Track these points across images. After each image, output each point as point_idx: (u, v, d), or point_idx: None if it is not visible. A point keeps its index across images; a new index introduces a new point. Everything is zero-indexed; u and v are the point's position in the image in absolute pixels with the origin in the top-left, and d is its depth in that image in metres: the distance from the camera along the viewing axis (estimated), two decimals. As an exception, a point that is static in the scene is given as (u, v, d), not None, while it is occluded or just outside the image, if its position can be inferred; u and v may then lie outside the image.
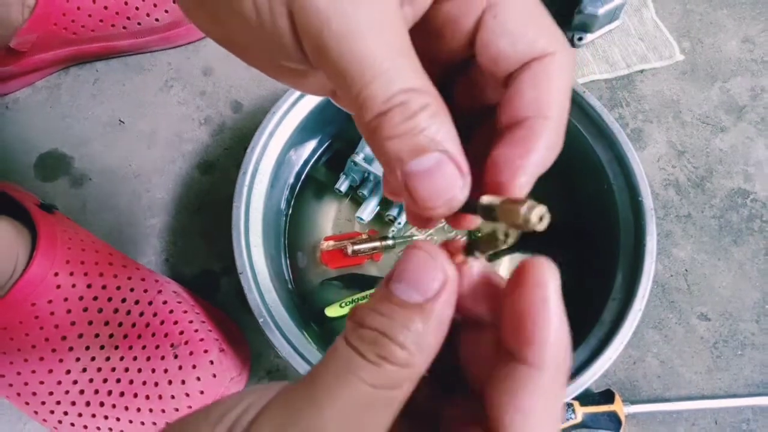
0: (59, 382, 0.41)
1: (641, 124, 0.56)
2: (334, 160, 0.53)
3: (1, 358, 0.40)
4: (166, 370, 0.41)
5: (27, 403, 0.41)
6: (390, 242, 0.49)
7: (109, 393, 0.41)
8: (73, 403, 0.41)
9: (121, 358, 0.41)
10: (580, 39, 0.57)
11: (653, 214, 0.42)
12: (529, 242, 0.50)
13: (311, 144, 0.52)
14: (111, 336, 0.41)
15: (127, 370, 0.41)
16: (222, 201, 0.52)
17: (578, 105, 0.45)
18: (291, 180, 0.51)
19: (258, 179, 0.45)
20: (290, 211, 0.52)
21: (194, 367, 0.41)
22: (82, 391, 0.41)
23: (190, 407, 0.41)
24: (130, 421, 0.41)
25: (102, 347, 0.41)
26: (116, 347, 0.41)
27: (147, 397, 0.41)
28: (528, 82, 0.18)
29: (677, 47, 0.58)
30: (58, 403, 0.41)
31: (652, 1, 0.60)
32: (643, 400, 0.47)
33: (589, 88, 0.57)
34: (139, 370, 0.41)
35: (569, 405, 0.44)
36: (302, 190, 0.52)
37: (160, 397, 0.41)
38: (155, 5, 0.54)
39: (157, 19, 0.54)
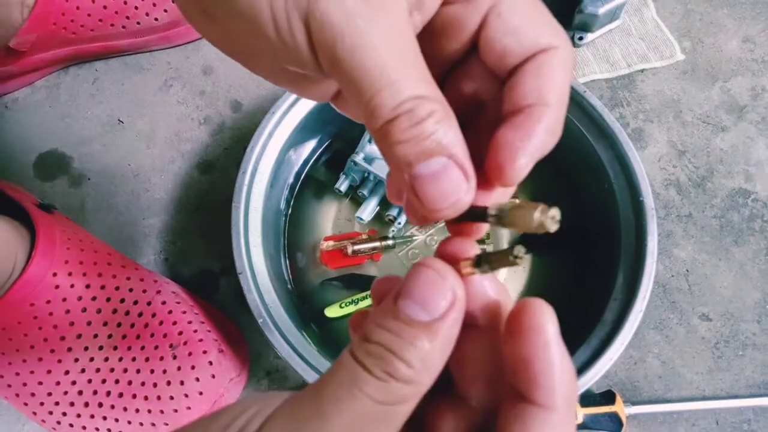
0: (58, 383, 0.41)
1: (642, 123, 0.56)
2: (334, 160, 0.52)
3: (0, 359, 0.40)
4: (164, 371, 0.41)
5: (25, 404, 0.41)
6: (390, 242, 0.49)
7: (108, 394, 0.41)
8: (72, 404, 0.41)
9: (120, 359, 0.41)
10: (581, 38, 0.57)
11: (654, 214, 0.42)
12: (531, 242, 0.50)
13: (311, 144, 0.52)
14: (110, 336, 0.41)
15: (125, 370, 0.41)
16: (221, 201, 0.52)
17: (579, 105, 0.45)
18: (291, 180, 0.51)
19: (257, 179, 0.45)
20: (290, 211, 0.52)
21: (193, 367, 0.41)
22: (80, 392, 0.41)
23: (188, 408, 0.41)
24: (129, 422, 0.41)
25: (101, 347, 0.41)
26: (115, 347, 0.41)
27: (145, 398, 0.41)
28: (531, 73, 0.18)
29: (678, 47, 0.58)
30: (57, 403, 0.41)
31: (653, 0, 0.60)
32: (644, 401, 0.47)
33: (590, 88, 0.57)
34: (138, 371, 0.41)
35: (570, 406, 0.44)
36: (302, 190, 0.52)
37: (158, 397, 0.40)
38: (154, 4, 0.53)
39: (156, 19, 0.54)
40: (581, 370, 0.39)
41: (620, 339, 0.39)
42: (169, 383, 0.41)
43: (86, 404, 0.41)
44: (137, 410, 0.41)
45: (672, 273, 0.51)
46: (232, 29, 0.18)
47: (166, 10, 0.54)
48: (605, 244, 0.46)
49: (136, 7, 0.53)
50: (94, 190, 0.54)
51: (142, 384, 0.41)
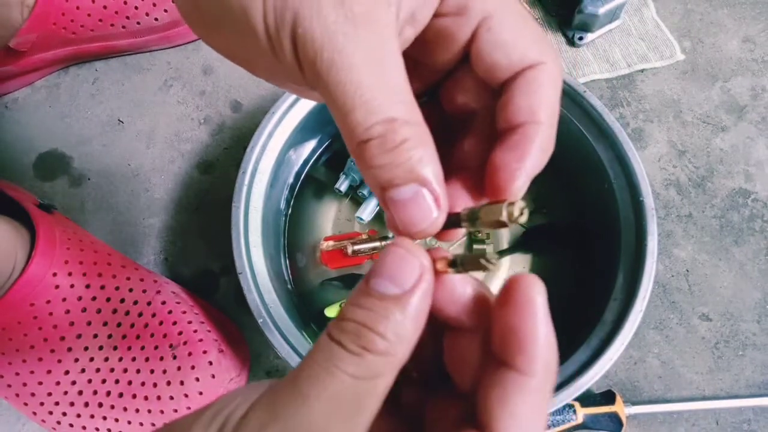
0: (58, 383, 0.41)
1: (642, 123, 0.56)
2: (334, 160, 0.52)
3: (0, 359, 0.40)
4: (164, 371, 0.41)
5: (25, 404, 0.41)
6: (390, 242, 0.49)
7: (108, 394, 0.41)
8: (72, 404, 0.41)
9: (120, 359, 0.41)
10: (581, 38, 0.57)
11: (654, 214, 0.42)
12: (531, 243, 0.50)
13: (311, 144, 0.52)
14: (109, 336, 0.41)
15: (125, 370, 0.41)
16: (221, 201, 0.52)
17: (579, 105, 0.45)
18: (291, 180, 0.51)
19: (257, 179, 0.45)
20: (290, 211, 0.52)
21: (193, 367, 0.41)
22: (80, 392, 0.41)
23: (188, 408, 0.41)
24: (129, 422, 0.41)
25: (100, 348, 0.41)
26: (115, 348, 0.41)
27: (145, 398, 0.41)
28: (521, 90, 0.19)
29: (678, 47, 0.58)
30: (57, 403, 0.41)
31: (653, 0, 0.60)
32: (644, 401, 0.47)
33: (590, 88, 0.57)
34: (138, 371, 0.41)
35: (570, 406, 0.44)
36: (302, 190, 0.52)
37: (158, 397, 0.40)
38: (154, 4, 0.53)
39: (156, 19, 0.54)
40: (581, 370, 0.39)
41: (620, 339, 0.39)
42: (169, 383, 0.41)
43: (86, 404, 0.41)
44: (137, 410, 0.41)
45: (672, 273, 0.51)
46: (231, 41, 0.19)
47: (166, 10, 0.54)
48: (605, 244, 0.46)
49: (136, 7, 0.53)
50: (94, 190, 0.54)
51: (142, 384, 0.41)
